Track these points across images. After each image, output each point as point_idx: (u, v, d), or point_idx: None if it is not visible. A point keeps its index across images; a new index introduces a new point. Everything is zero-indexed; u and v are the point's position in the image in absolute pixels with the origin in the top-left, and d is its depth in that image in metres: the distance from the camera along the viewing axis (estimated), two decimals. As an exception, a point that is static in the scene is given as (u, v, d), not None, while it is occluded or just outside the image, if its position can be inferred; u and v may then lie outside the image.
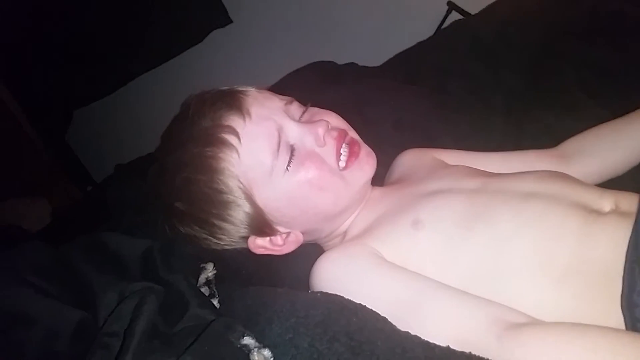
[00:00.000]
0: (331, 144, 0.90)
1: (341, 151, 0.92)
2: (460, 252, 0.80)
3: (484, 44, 1.51)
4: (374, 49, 2.00)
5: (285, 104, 0.92)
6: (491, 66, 1.45)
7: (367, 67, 1.80)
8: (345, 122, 0.97)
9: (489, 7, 1.70)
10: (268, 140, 0.86)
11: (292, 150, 0.88)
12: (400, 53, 1.76)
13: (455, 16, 2.14)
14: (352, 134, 0.95)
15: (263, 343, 0.68)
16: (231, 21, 2.40)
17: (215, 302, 0.86)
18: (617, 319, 0.68)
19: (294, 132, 0.89)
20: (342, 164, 0.91)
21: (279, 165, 0.87)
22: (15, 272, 0.80)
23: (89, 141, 2.85)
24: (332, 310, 0.70)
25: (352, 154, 0.91)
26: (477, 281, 0.77)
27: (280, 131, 0.88)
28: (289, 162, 0.87)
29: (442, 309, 0.73)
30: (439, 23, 2.18)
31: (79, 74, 2.47)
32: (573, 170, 0.99)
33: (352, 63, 1.83)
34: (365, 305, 0.73)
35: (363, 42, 2.32)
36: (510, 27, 1.50)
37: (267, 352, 0.68)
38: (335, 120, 0.95)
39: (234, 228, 0.91)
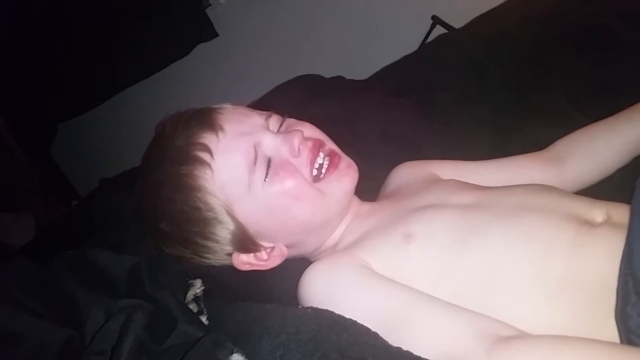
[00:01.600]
0: (305, 154, 0.90)
1: (322, 162, 0.92)
2: (452, 266, 0.80)
3: (471, 56, 1.51)
4: (359, 63, 2.01)
5: (265, 119, 0.92)
6: (478, 79, 1.45)
7: (353, 80, 1.80)
8: (321, 132, 0.97)
9: (474, 21, 1.71)
10: (243, 155, 0.87)
11: (268, 162, 0.87)
12: (387, 67, 1.76)
13: (439, 30, 2.15)
14: (330, 144, 0.95)
15: (254, 360, 0.68)
16: (217, 35, 2.40)
17: (203, 318, 0.86)
18: (611, 331, 0.69)
19: (270, 143, 0.89)
20: (321, 175, 0.91)
21: (257, 179, 0.87)
22: (0, 289, 0.78)
23: (74, 155, 2.82)
24: (322, 326, 0.69)
25: (332, 165, 0.91)
26: (470, 296, 0.77)
27: (257, 146, 0.88)
28: (266, 174, 0.87)
29: (431, 323, 0.72)
30: (423, 37, 2.19)
31: (63, 87, 2.45)
32: (567, 171, 1.01)
33: (339, 77, 1.83)
34: (356, 321, 0.72)
35: (348, 56, 2.33)
36: (496, 40, 1.51)
37: (257, 369, 0.67)
38: (310, 130, 0.95)
39: (217, 246, 0.91)
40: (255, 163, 0.86)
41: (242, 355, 0.68)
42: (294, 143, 0.88)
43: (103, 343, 0.71)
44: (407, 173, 1.09)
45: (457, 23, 1.90)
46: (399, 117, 1.38)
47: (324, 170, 0.91)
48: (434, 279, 0.80)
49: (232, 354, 0.68)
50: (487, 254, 0.79)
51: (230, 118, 0.90)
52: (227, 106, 0.94)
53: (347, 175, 0.92)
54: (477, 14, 1.73)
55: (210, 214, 0.88)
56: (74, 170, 2.87)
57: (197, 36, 2.41)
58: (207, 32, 2.39)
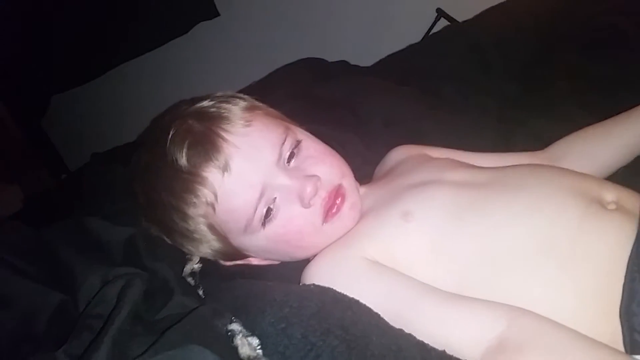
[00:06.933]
0: (318, 204, 0.85)
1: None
2: (453, 243, 0.79)
3: (478, 48, 1.51)
4: (362, 53, 1.99)
5: (280, 146, 0.85)
6: (484, 71, 1.45)
7: (357, 66, 1.79)
8: (342, 165, 0.91)
9: (483, 14, 1.70)
10: (246, 201, 0.82)
11: (274, 205, 0.83)
12: (391, 55, 1.75)
13: (443, 23, 2.15)
14: (346, 181, 0.89)
15: (253, 332, 0.66)
16: (218, 14, 2.38)
17: (200, 292, 0.84)
18: (614, 325, 0.67)
19: (280, 188, 0.83)
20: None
21: (256, 222, 0.83)
22: (-7, 251, 0.77)
23: (66, 129, 2.79)
24: (326, 303, 0.68)
25: (333, 206, 0.86)
26: (472, 275, 0.76)
27: (264, 189, 0.82)
28: (269, 219, 0.84)
29: (426, 322, 0.71)
30: (426, 30, 2.19)
31: (59, 59, 2.42)
32: None
33: (343, 61, 1.82)
34: (358, 300, 0.71)
35: (351, 46, 2.32)
36: (505, 34, 1.51)
37: (254, 341, 0.65)
38: (328, 171, 0.88)
39: (203, 254, 0.90)
40: (256, 208, 0.82)
41: (241, 326, 0.66)
42: (306, 195, 0.82)
43: (99, 307, 0.69)
44: (401, 155, 1.08)
45: (462, 17, 1.90)
46: (404, 105, 1.37)
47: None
48: (436, 257, 0.79)
49: (230, 323, 0.66)
50: (487, 230, 0.78)
51: (238, 152, 0.82)
52: (237, 122, 0.85)
53: (348, 217, 0.88)
54: (482, 8, 1.73)
55: (203, 238, 0.87)
56: (65, 144, 2.84)
57: (197, 14, 2.38)
58: (209, 11, 2.36)
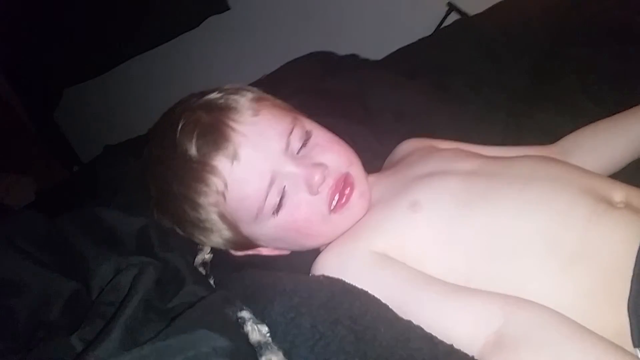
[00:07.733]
0: (325, 192, 0.85)
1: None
2: (461, 232, 0.79)
3: (488, 42, 1.50)
4: (373, 46, 1.99)
5: (287, 135, 0.86)
6: (494, 65, 1.44)
7: (367, 60, 1.79)
8: (350, 153, 0.92)
9: (492, 9, 1.69)
10: (255, 189, 0.83)
11: (283, 193, 0.84)
12: (401, 48, 1.75)
13: (454, 17, 2.14)
14: (354, 169, 0.90)
15: (263, 321, 0.67)
16: (228, 8, 2.38)
17: (211, 282, 0.85)
18: (621, 319, 0.67)
19: (288, 176, 0.84)
20: (333, 202, 0.87)
21: (267, 210, 0.84)
22: (9, 239, 0.78)
23: (78, 121, 2.80)
24: (335, 293, 0.69)
25: (342, 196, 0.86)
26: (479, 265, 0.76)
27: (273, 177, 0.83)
28: (279, 207, 0.84)
29: (427, 316, 0.71)
30: (437, 23, 2.18)
31: (71, 51, 2.43)
32: None
33: (353, 54, 1.82)
34: (367, 292, 0.72)
35: (361, 39, 2.30)
36: (515, 28, 1.50)
37: (264, 328, 0.67)
38: (336, 159, 0.88)
39: (213, 244, 0.91)
40: (267, 196, 0.83)
41: (251, 314, 0.67)
42: (314, 183, 0.83)
43: (112, 295, 0.71)
44: (409, 147, 1.09)
45: (472, 11, 1.89)
46: (414, 98, 1.37)
47: (336, 197, 0.87)
48: (444, 246, 0.79)
49: (241, 311, 0.67)
50: (496, 220, 0.78)
51: (247, 141, 0.83)
52: (245, 112, 0.86)
53: (359, 206, 0.88)
54: (493, 2, 1.72)
55: (214, 227, 0.88)
56: (77, 136, 2.85)
57: (208, 8, 2.38)
58: (219, 4, 2.36)
